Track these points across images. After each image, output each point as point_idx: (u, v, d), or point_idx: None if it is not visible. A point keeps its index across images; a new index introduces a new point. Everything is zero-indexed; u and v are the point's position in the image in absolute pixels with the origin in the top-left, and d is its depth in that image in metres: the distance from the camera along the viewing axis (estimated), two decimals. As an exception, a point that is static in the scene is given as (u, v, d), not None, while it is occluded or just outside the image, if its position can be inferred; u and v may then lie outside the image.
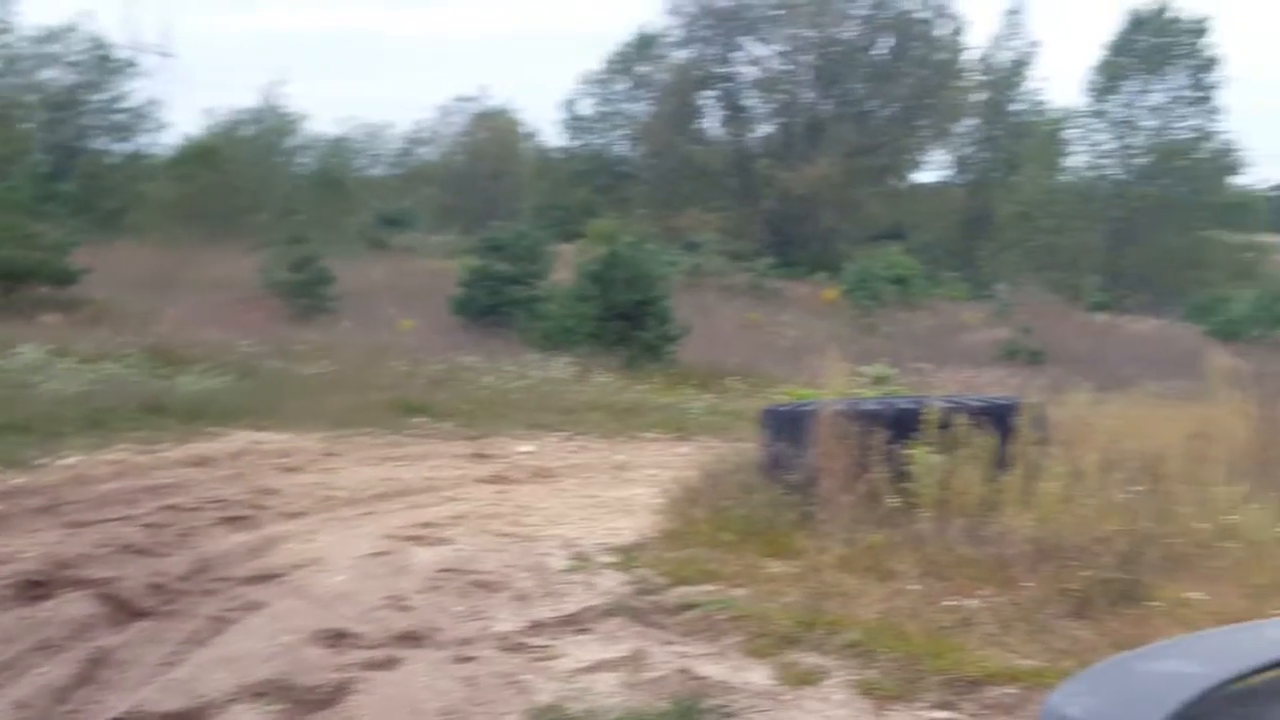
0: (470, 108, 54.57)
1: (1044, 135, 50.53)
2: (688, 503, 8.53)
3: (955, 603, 6.11)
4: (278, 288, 27.50)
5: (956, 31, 48.29)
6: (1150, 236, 47.53)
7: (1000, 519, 6.98)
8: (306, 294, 27.26)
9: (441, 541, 8.36)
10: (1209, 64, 49.32)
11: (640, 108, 51.43)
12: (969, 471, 7.29)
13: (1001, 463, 7.44)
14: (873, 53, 48.68)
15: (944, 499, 7.24)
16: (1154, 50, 49.51)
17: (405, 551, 8.01)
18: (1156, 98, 49.91)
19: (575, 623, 6.30)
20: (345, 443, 12.89)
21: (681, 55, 49.89)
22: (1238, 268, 47.29)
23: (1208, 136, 49.86)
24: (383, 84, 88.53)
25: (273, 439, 12.69)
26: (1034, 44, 48.23)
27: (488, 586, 7.09)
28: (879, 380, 12.71)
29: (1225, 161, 50.75)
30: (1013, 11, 48.77)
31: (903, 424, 7.73)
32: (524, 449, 13.36)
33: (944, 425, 7.63)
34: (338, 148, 48.27)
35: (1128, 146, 50.30)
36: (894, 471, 7.49)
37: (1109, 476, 7.10)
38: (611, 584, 7.07)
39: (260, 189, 38.20)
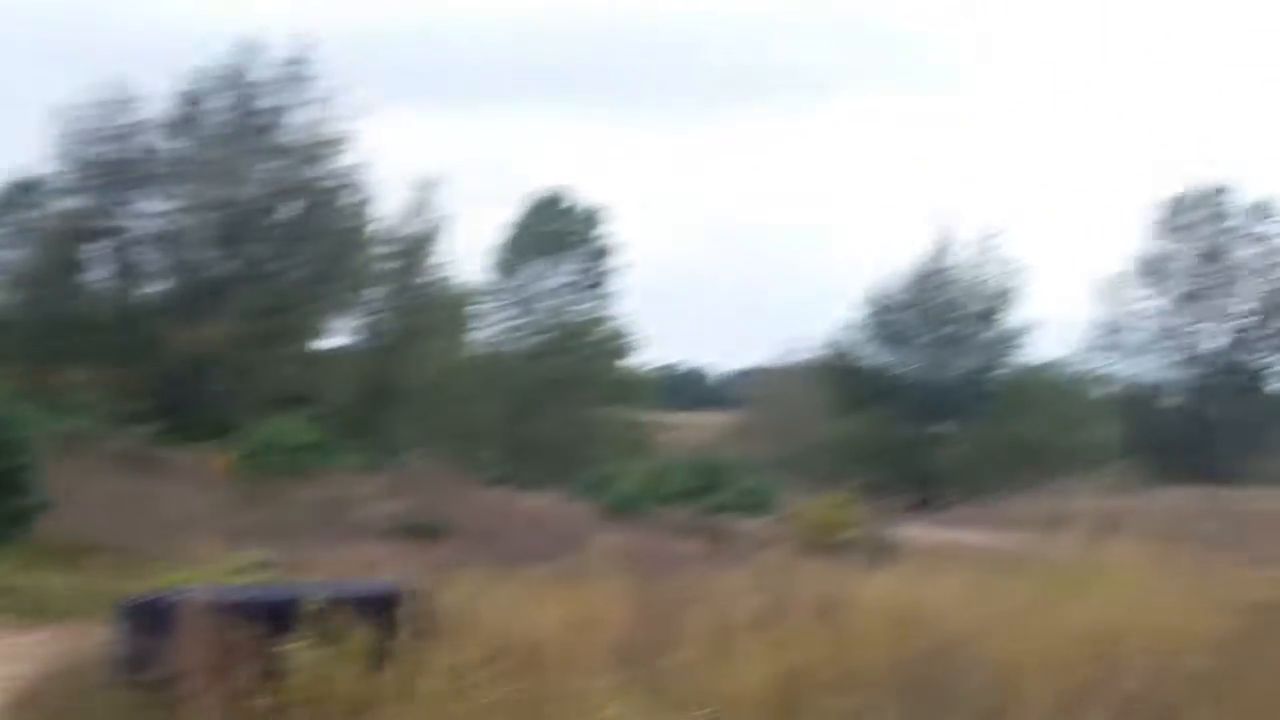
0: None
1: (451, 308, 52.26)
2: (22, 708, 7.54)
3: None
4: None
5: (363, 201, 49.21)
6: (548, 412, 50.16)
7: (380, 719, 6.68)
8: None
9: None
10: (602, 251, 53.55)
11: (20, 255, 47.93)
12: (347, 667, 6.96)
13: (384, 656, 7.18)
14: (277, 216, 48.45)
15: (320, 698, 6.85)
16: (551, 235, 53.12)
17: None
18: (554, 280, 53.37)
19: None
20: None
21: (68, 203, 47.17)
22: (628, 444, 50.88)
23: (601, 320, 53.82)
24: None
25: None
26: (444, 218, 50.13)
27: None
28: (258, 565, 12.13)
29: (617, 343, 54.92)
30: (422, 186, 50.34)
31: (277, 615, 7.30)
32: None
33: (322, 616, 7.28)
34: None
35: (527, 325, 53.20)
36: (266, 669, 7.01)
37: (492, 669, 7.02)
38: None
39: None
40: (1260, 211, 58.36)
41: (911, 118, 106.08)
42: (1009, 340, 56.42)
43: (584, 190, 54.97)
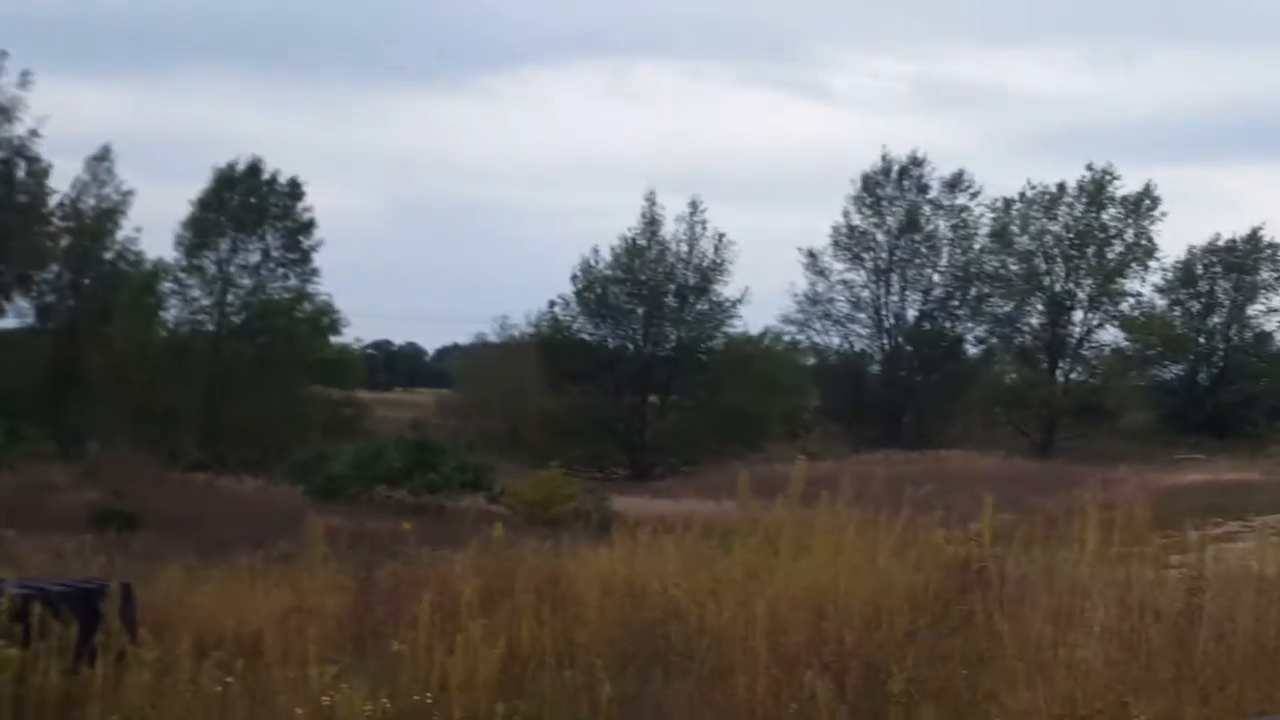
0: None
1: (138, 287, 49.97)
2: None
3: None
4: None
5: (40, 174, 46.45)
6: (249, 394, 48.68)
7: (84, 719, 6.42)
8: None
9: None
10: (304, 226, 52.17)
11: None
12: (48, 667, 6.67)
13: (87, 654, 6.90)
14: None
15: (20, 697, 6.54)
16: (247, 209, 51.39)
17: None
18: (252, 256, 51.70)
19: None
20: None
21: None
22: (337, 424, 49.93)
23: (305, 296, 52.51)
24: None
25: None
26: (126, 192, 47.72)
27: None
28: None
29: (323, 321, 53.73)
30: (99, 158, 47.81)
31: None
32: None
33: (20, 615, 6.95)
34: None
35: (224, 303, 51.39)
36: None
37: (205, 662, 6.84)
38: None
39: None
40: (955, 184, 61.76)
41: (626, 91, 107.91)
42: (719, 312, 58.05)
43: (283, 164, 53.48)
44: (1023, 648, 7.87)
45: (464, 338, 76.29)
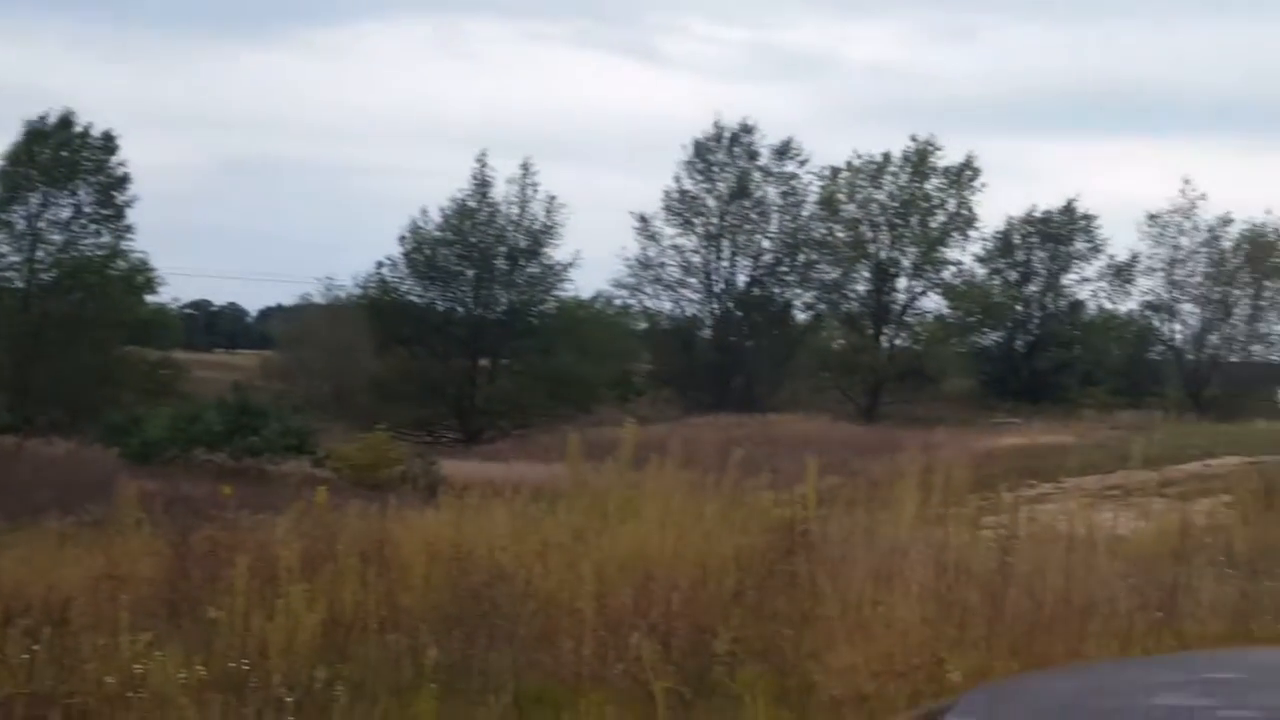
0: None
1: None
2: None
3: None
4: None
5: None
6: (60, 354, 46.99)
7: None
8: None
9: None
10: (119, 181, 50.42)
11: None
12: None
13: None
14: None
15: None
16: (58, 163, 49.47)
17: None
18: (63, 211, 49.85)
19: None
20: None
21: None
22: (154, 386, 48.55)
23: (119, 254, 50.81)
24: None
25: None
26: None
27: None
28: None
29: (137, 279, 52.09)
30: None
31: None
32: None
33: None
34: None
35: (33, 260, 49.49)
36: None
37: (9, 630, 6.60)
38: None
39: None
40: (784, 152, 62.58)
41: (458, 50, 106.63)
42: (551, 276, 57.93)
43: (100, 120, 51.37)
44: (844, 607, 8.06)
45: (288, 299, 74.87)
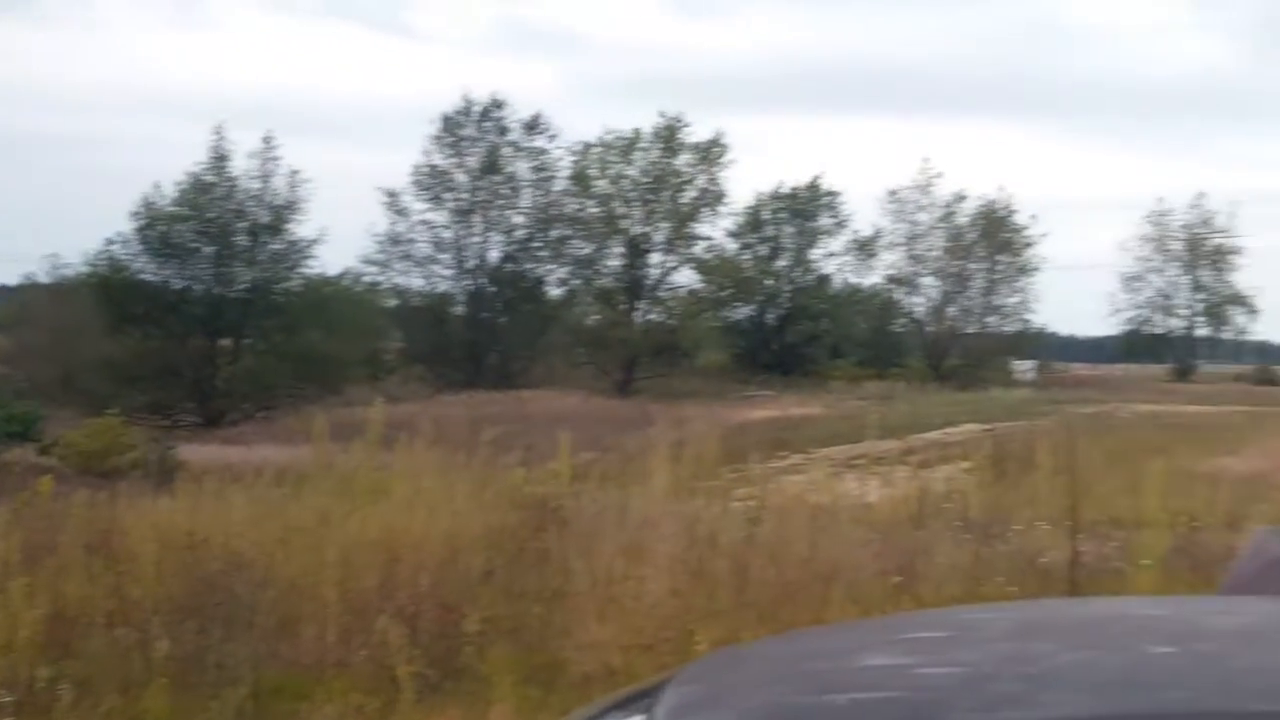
0: None
1: None
2: None
3: None
4: None
5: None
6: None
7: None
8: None
9: None
10: None
11: None
12: None
13: None
14: None
15: None
16: None
17: None
18: None
19: None
20: None
21: None
22: None
23: None
24: None
25: None
26: None
27: None
28: None
29: None
30: None
31: None
32: None
33: None
34: None
35: None
36: None
37: None
38: None
39: None
40: (533, 127, 62.58)
41: (197, 18, 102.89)
42: (295, 252, 56.55)
43: None
44: (594, 583, 8.12)
45: (10, 278, 71.09)
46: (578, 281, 65.37)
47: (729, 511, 10.56)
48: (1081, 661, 1.50)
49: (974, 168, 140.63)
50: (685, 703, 1.73)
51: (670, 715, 1.67)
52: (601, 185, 64.20)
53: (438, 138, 61.87)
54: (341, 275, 61.37)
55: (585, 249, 64.51)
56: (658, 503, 9.89)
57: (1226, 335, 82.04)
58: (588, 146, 63.97)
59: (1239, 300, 78.53)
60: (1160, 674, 1.43)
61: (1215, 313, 79.07)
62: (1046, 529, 10.21)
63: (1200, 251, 77.59)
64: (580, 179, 63.75)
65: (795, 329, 68.66)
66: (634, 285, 64.78)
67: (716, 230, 66.65)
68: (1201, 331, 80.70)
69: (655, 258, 65.08)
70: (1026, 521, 10.65)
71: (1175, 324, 78.97)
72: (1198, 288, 78.01)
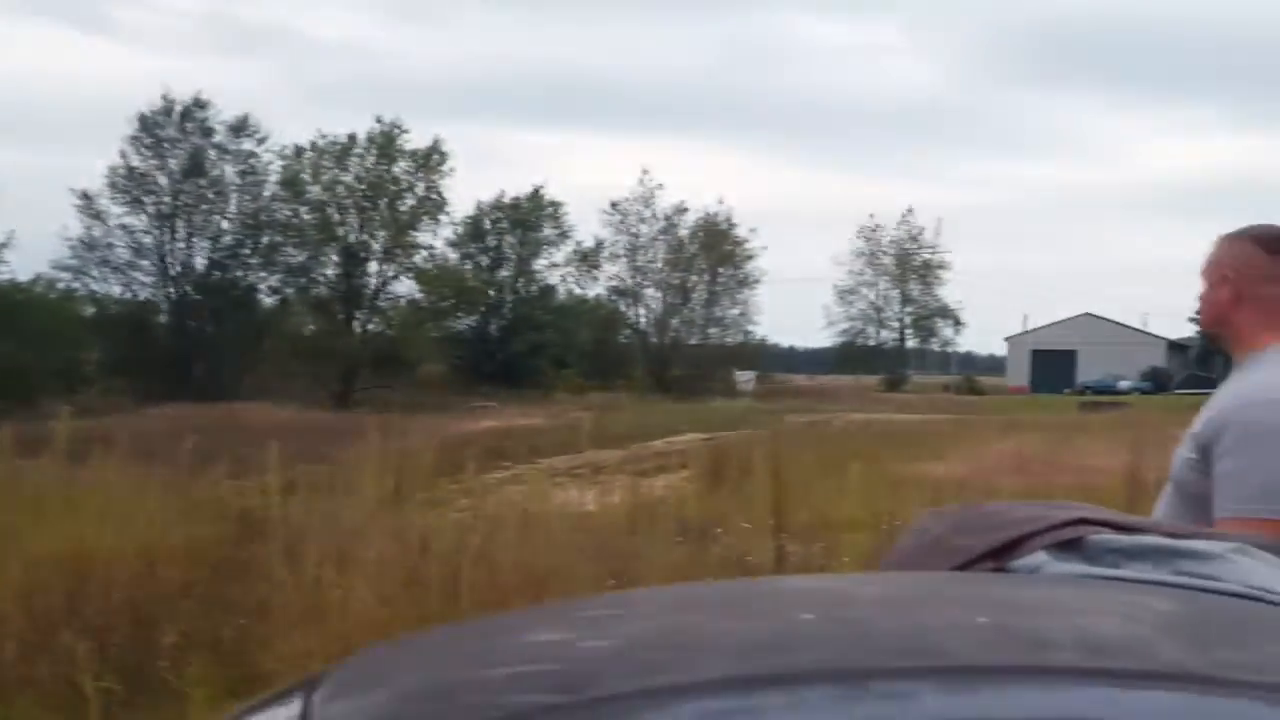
0: None
1: None
2: None
3: None
4: None
5: None
6: None
7: None
8: None
9: None
10: None
11: None
12: None
13: None
14: None
15: None
16: None
17: None
18: None
19: None
20: None
21: None
22: None
23: None
24: None
25: None
26: None
27: None
28: None
29: None
30: None
31: None
32: None
33: None
34: None
35: None
36: None
37: None
38: None
39: None
40: (240, 129, 60.87)
41: None
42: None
43: None
44: (300, 593, 7.98)
45: None
46: (292, 290, 64.02)
47: (444, 520, 10.54)
48: (731, 630, 1.58)
49: (698, 182, 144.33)
50: (342, 684, 1.75)
51: (325, 699, 1.68)
52: (315, 191, 63.04)
53: (134, 138, 59.62)
54: (32, 282, 58.44)
55: (299, 257, 63.23)
56: (369, 512, 9.80)
57: (934, 347, 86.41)
58: (300, 151, 62.81)
59: (945, 313, 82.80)
60: (801, 638, 1.53)
61: (924, 325, 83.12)
62: (757, 531, 10.55)
63: (909, 266, 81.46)
64: (292, 184, 62.43)
65: (519, 340, 68.90)
66: (352, 295, 63.84)
67: (437, 239, 66.39)
68: (911, 343, 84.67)
69: (374, 267, 64.40)
70: (739, 525, 10.98)
71: (887, 336, 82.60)
72: (907, 301, 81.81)
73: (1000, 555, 1.91)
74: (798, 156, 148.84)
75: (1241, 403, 2.80)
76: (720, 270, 71.00)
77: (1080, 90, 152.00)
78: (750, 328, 73.38)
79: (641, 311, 72.71)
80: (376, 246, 63.86)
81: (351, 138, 62.99)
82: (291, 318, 65.06)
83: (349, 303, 63.94)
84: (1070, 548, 1.89)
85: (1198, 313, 3.05)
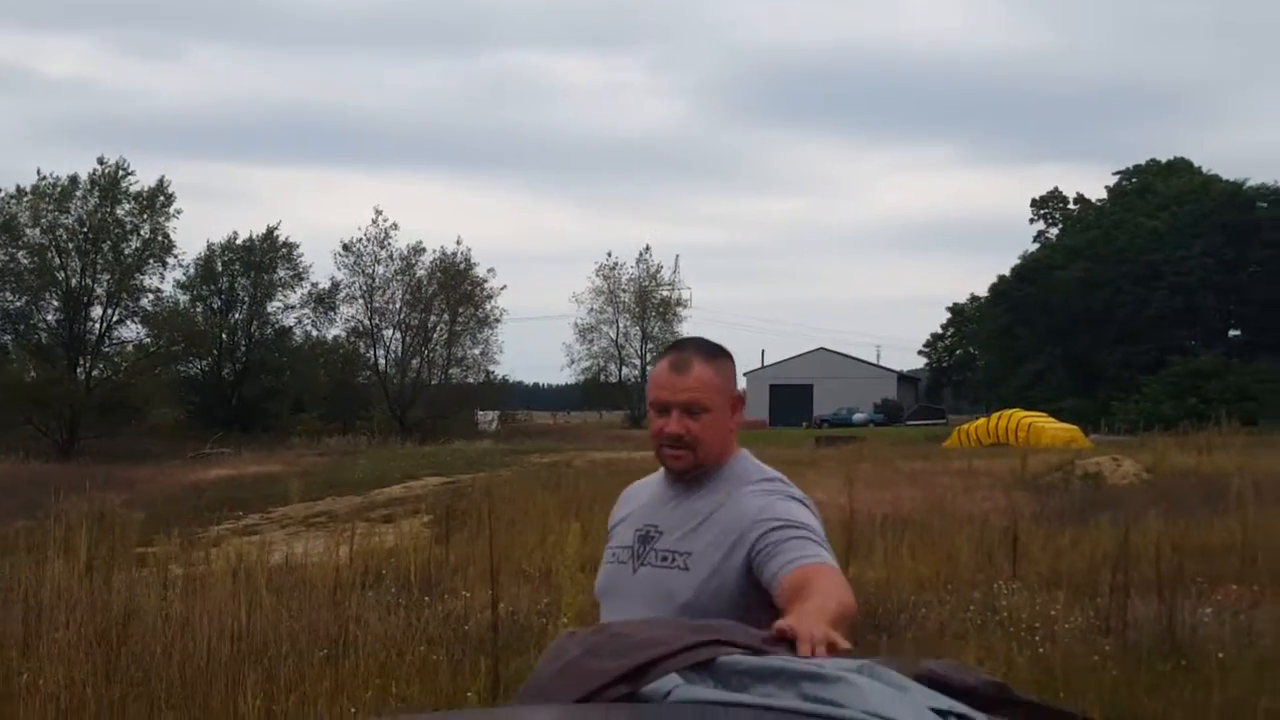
0: None
1: None
2: None
3: None
4: None
5: None
6: None
7: None
8: None
9: None
10: None
11: None
12: None
13: None
14: None
15: None
16: None
17: None
18: None
19: None
20: None
21: None
22: None
23: None
24: None
25: None
26: None
27: None
28: None
29: None
30: None
31: None
32: None
33: None
34: None
35: None
36: None
37: None
38: None
39: None
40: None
41: None
42: None
43: None
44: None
45: None
46: (10, 337, 60.96)
47: (150, 585, 9.98)
48: None
49: (440, 221, 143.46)
50: None
51: None
52: (34, 234, 60.25)
53: None
54: None
55: (17, 302, 60.25)
56: (66, 581, 9.19)
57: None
58: (21, 192, 59.95)
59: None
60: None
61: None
62: (483, 585, 10.33)
63: (649, 303, 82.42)
64: (10, 227, 59.52)
65: (255, 383, 66.96)
66: (74, 340, 61.01)
67: (166, 282, 64.06)
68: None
69: (98, 311, 61.69)
70: (465, 580, 10.74)
71: (629, 373, 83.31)
72: (647, 338, 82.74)
73: (633, 679, 1.88)
74: (540, 195, 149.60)
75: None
76: (460, 310, 70.40)
77: (819, 129, 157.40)
78: (492, 367, 73.00)
79: (381, 352, 71.60)
80: (100, 291, 61.28)
81: (73, 179, 60.42)
82: (13, 365, 61.81)
83: (72, 348, 61.09)
84: (703, 669, 1.89)
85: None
